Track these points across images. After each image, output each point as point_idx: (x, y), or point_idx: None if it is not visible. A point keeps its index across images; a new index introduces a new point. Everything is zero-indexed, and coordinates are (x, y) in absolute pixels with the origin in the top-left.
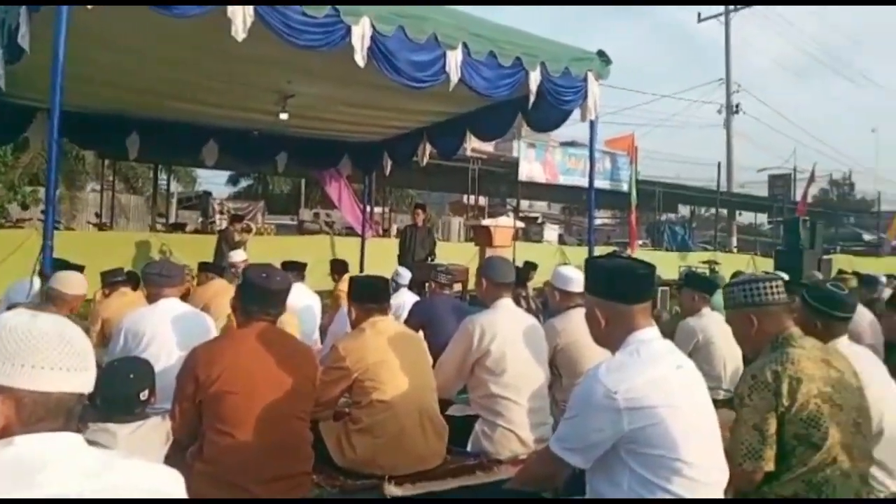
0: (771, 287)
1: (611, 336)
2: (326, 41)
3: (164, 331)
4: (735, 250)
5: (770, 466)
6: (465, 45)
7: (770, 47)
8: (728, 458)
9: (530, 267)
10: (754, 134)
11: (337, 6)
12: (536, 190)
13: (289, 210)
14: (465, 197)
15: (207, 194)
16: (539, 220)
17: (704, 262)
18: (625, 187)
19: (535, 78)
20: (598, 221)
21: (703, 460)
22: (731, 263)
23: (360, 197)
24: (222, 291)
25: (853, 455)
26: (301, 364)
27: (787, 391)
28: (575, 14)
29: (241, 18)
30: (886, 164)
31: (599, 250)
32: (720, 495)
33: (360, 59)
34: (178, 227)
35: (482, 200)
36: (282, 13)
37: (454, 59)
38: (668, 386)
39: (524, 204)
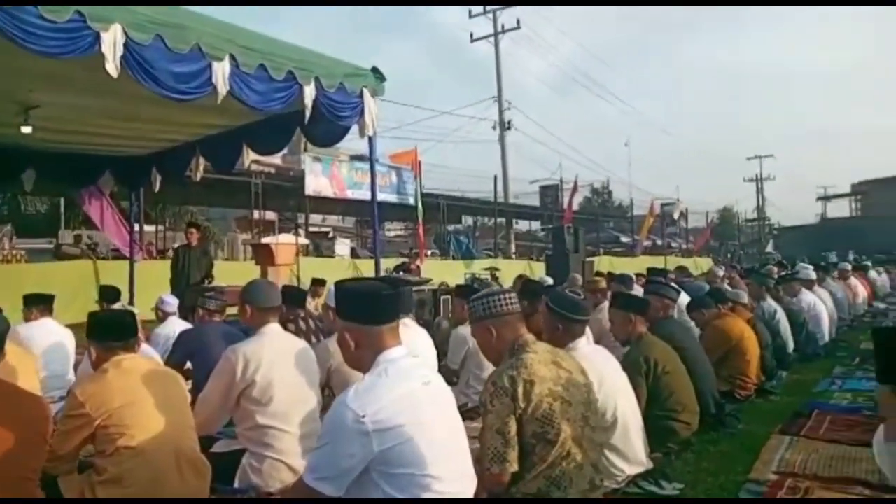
0: (505, 299)
1: (362, 358)
2: (72, 49)
3: None
4: (514, 256)
5: (515, 467)
6: (232, 57)
7: (537, 68)
8: (478, 463)
9: (318, 283)
10: (526, 148)
11: (82, 9)
12: (327, 204)
13: (45, 232)
14: (254, 212)
15: None
16: (330, 235)
17: (487, 269)
18: (411, 200)
19: (309, 92)
20: (391, 234)
21: (452, 472)
22: (510, 269)
23: (127, 216)
24: None
25: (584, 446)
26: (25, 416)
27: (522, 394)
28: (352, 31)
29: None
30: (637, 173)
31: (391, 262)
32: None
33: (112, 68)
34: None
35: (271, 215)
36: (12, 15)
37: (221, 70)
38: (415, 403)
39: (317, 218)
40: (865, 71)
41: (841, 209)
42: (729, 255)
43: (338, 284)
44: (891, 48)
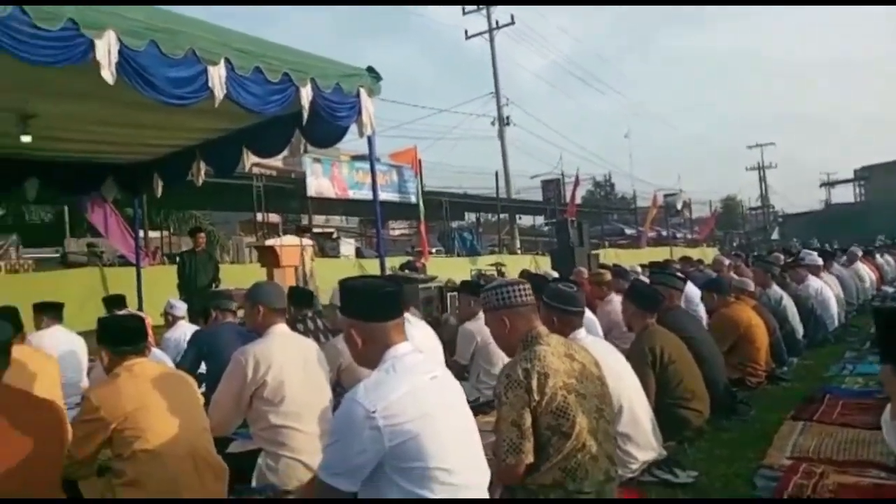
0: (519, 290)
1: (369, 355)
2: (66, 57)
3: None
4: (519, 251)
5: (530, 458)
6: (227, 61)
7: (533, 63)
8: (495, 455)
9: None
10: (526, 143)
11: (75, 16)
12: (329, 205)
13: (51, 241)
14: (258, 215)
15: None
16: (334, 235)
17: (492, 265)
18: (413, 199)
19: (306, 94)
20: (395, 232)
21: (463, 465)
22: (516, 264)
23: (131, 222)
24: None
25: (598, 438)
26: (42, 423)
27: (536, 386)
28: (347, 34)
29: None
30: (639, 165)
31: (396, 261)
32: (483, 495)
33: (107, 75)
34: None
35: (275, 217)
36: (4, 24)
37: (217, 74)
38: (424, 397)
39: (321, 219)
40: (867, 64)
41: (845, 195)
42: (734, 244)
43: (342, 283)
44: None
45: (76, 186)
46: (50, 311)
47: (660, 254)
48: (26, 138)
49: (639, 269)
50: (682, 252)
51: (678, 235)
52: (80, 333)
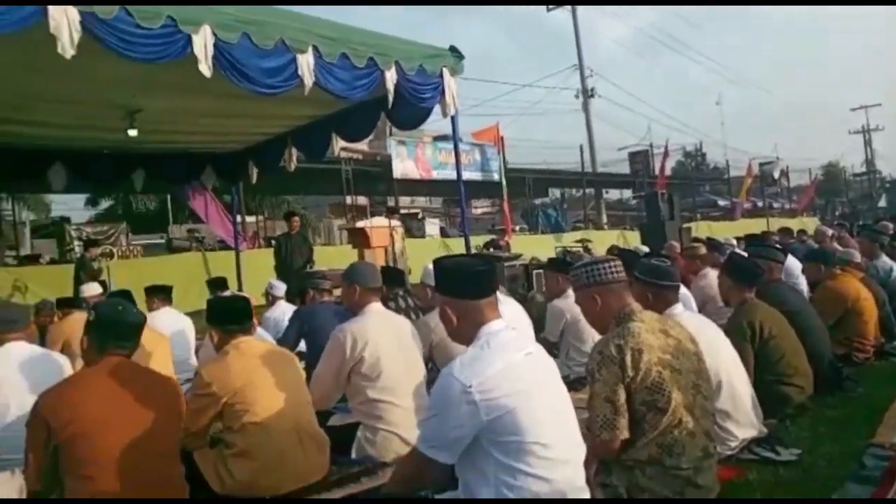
0: (610, 267)
1: (463, 332)
2: (166, 53)
3: (12, 377)
4: (606, 227)
5: (625, 434)
6: (315, 49)
7: (617, 32)
8: (589, 430)
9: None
10: (611, 115)
11: (173, 14)
12: (415, 186)
13: (156, 228)
14: (346, 198)
15: (64, 220)
16: (419, 216)
17: (578, 241)
18: (496, 177)
19: (390, 77)
20: (478, 211)
21: (559, 439)
22: (603, 240)
23: (229, 208)
24: (83, 325)
25: (696, 414)
26: (162, 397)
27: (630, 362)
28: (425, 12)
29: (66, 34)
30: (732, 133)
31: (480, 239)
32: (579, 470)
33: (205, 69)
34: (33, 260)
35: (363, 200)
36: (111, 26)
37: (306, 62)
38: (518, 373)
39: (406, 200)
40: None
41: None
42: (837, 213)
43: (437, 262)
44: None
45: (178, 176)
46: (160, 294)
47: (755, 225)
48: (133, 132)
49: (734, 242)
50: (778, 223)
51: (775, 206)
52: (185, 314)
